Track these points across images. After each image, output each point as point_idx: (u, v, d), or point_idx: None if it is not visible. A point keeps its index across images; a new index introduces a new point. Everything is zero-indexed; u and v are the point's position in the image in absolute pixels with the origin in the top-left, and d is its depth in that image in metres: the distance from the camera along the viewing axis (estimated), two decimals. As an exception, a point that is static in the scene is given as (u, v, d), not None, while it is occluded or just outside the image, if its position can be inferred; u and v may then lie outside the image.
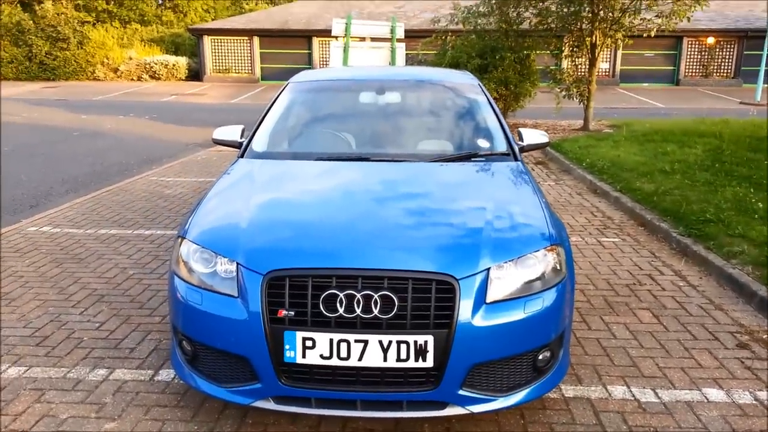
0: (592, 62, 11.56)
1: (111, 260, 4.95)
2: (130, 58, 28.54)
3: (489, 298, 2.50)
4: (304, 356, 2.44)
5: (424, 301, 2.43)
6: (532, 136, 3.93)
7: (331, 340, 2.42)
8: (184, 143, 11.58)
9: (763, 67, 20.25)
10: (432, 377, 2.46)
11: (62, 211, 6.45)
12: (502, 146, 3.75)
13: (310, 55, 27.44)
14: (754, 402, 2.99)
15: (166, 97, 22.01)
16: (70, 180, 8.36)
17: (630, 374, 3.24)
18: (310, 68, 27.18)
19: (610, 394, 3.06)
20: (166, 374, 3.23)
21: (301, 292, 2.46)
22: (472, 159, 3.62)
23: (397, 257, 2.53)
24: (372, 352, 2.41)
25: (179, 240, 2.89)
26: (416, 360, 2.41)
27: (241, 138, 3.97)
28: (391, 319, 2.41)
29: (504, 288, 2.54)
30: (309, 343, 2.43)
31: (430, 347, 2.41)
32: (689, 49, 26.29)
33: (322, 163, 3.58)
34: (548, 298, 2.61)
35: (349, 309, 2.42)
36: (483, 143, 3.82)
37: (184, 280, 2.73)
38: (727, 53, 26.17)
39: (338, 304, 2.41)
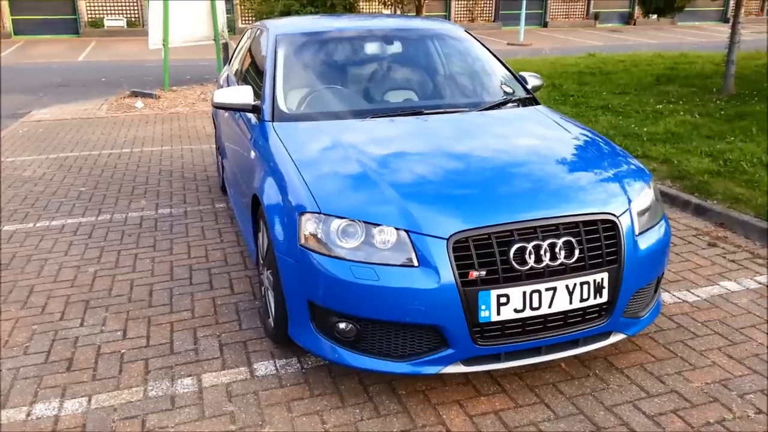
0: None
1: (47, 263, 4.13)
2: None
3: (637, 231, 2.71)
4: (498, 313, 2.43)
5: (595, 242, 2.57)
6: (532, 80, 4.12)
7: (524, 293, 2.44)
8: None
9: (523, 11, 22.86)
10: (604, 311, 2.62)
11: None
12: (521, 91, 3.91)
13: (75, 4, 24.13)
14: (759, 286, 3.68)
15: None
16: None
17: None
18: (76, 19, 23.95)
19: (663, 300, 3.51)
20: (264, 367, 2.91)
21: (486, 251, 2.43)
22: (507, 105, 3.73)
23: (562, 203, 2.61)
24: (560, 297, 2.49)
25: (303, 216, 2.59)
26: (594, 297, 2.56)
27: (254, 101, 3.55)
28: (574, 262, 2.51)
29: (641, 221, 2.77)
30: (503, 300, 2.43)
31: (606, 283, 2.56)
32: (457, -4, 28.53)
33: (381, 120, 3.41)
34: (664, 226, 2.91)
35: (537, 259, 2.46)
36: (507, 89, 3.92)
37: (334, 257, 2.49)
38: (489, -1, 28.93)
39: (527, 256, 2.44)
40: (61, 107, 10.26)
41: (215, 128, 5.84)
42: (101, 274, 3.95)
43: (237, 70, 4.99)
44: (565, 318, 2.55)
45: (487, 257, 2.43)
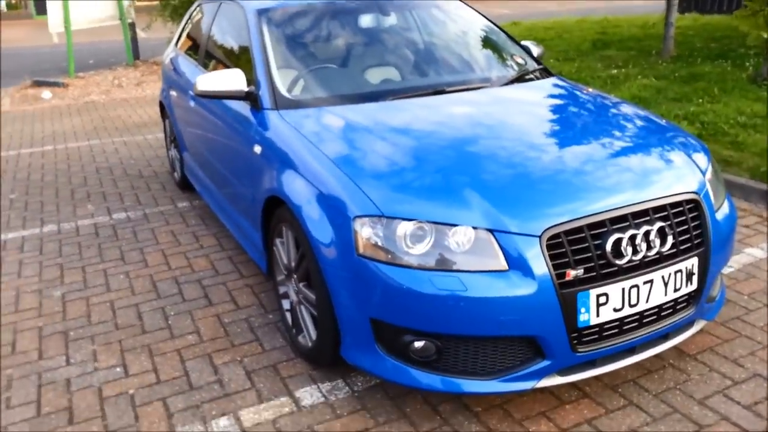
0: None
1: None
2: None
3: (715, 206, 2.50)
4: (598, 315, 2.16)
5: (682, 224, 2.34)
6: (535, 49, 3.84)
7: (623, 290, 2.18)
8: None
9: None
10: (692, 299, 2.41)
11: None
12: (533, 63, 3.62)
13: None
14: (782, 251, 3.63)
15: None
16: None
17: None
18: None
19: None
20: (309, 395, 2.51)
21: (581, 246, 2.14)
22: (526, 78, 3.43)
23: (648, 185, 2.35)
24: (656, 289, 2.25)
25: (358, 220, 2.19)
26: (686, 285, 2.33)
27: (248, 87, 3.04)
28: (668, 250, 2.26)
29: (714, 196, 2.56)
30: (602, 299, 2.15)
31: (696, 269, 2.35)
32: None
33: (408, 102, 3.00)
34: (727, 199, 2.72)
35: (633, 250, 2.19)
36: (519, 60, 3.61)
37: (405, 266, 2.11)
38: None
39: (624, 248, 2.17)
40: (-47, 102, 9.09)
41: (166, 117, 5.21)
42: (70, 297, 3.37)
43: (194, 51, 4.41)
44: (659, 311, 2.31)
45: (582, 253, 2.14)
